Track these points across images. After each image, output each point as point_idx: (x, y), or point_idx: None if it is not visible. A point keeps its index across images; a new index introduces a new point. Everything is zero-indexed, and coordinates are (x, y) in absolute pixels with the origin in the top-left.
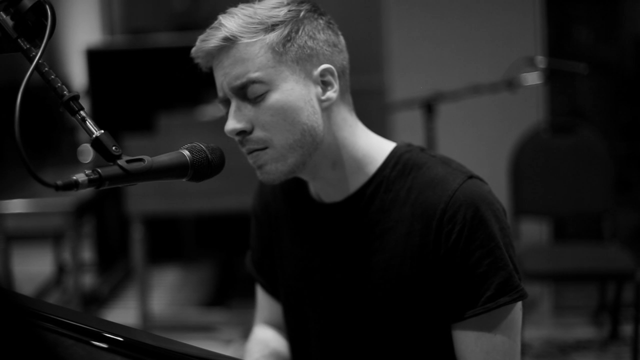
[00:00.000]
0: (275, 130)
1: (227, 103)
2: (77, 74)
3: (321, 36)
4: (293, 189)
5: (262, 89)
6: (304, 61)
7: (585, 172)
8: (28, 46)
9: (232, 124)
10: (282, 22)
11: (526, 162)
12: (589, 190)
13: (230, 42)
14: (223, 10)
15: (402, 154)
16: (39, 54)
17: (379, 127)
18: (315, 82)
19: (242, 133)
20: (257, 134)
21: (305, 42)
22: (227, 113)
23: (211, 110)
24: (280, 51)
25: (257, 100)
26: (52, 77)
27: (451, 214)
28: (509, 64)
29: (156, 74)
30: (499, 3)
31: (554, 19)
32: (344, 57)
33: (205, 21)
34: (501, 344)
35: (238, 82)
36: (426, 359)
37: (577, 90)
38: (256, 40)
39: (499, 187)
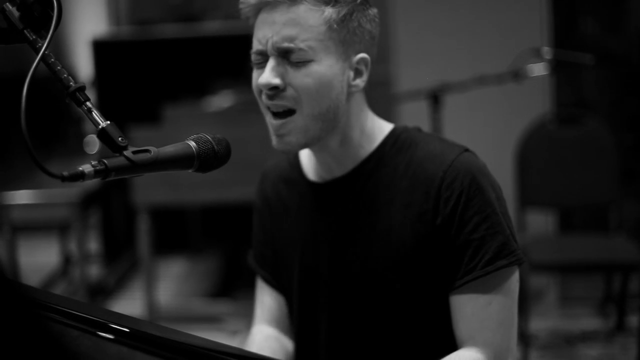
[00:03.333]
0: (306, 96)
1: (262, 55)
2: (83, 65)
3: (368, 26)
4: (293, 176)
5: (307, 56)
6: (348, 45)
7: (591, 163)
8: (34, 37)
9: (269, 77)
10: (343, 1)
11: (532, 153)
12: (595, 181)
13: (292, 1)
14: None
15: (401, 133)
16: (45, 45)
17: (385, 117)
18: (350, 67)
19: (274, 89)
20: (290, 92)
21: (355, 28)
22: (255, 65)
23: (217, 101)
24: (333, 28)
25: (298, 64)
26: (58, 68)
27: (449, 182)
28: (515, 55)
29: (162, 65)
30: None
31: (560, 10)
32: (375, 51)
33: (201, 13)
34: (496, 313)
35: (285, 45)
36: (432, 329)
37: (583, 82)
38: (317, 10)
39: (505, 178)
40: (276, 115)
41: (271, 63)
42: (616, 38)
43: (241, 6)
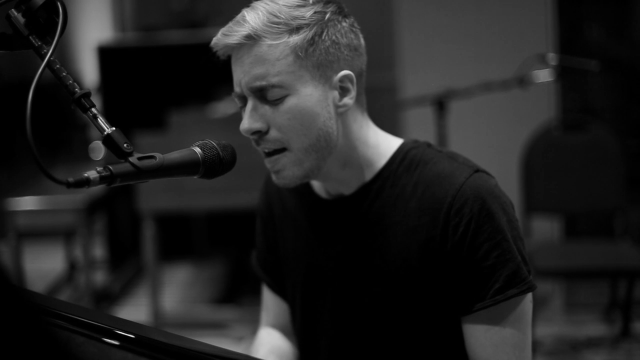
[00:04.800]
0: (292, 133)
1: (243, 99)
2: (89, 71)
3: (343, 40)
4: (298, 186)
5: (281, 93)
6: (325, 67)
7: (596, 169)
8: (39, 43)
9: (249, 123)
10: (307, 25)
11: (537, 159)
12: (601, 188)
13: (252, 40)
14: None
15: (409, 150)
16: (50, 51)
17: (391, 124)
18: (334, 88)
19: (257, 133)
20: (273, 134)
21: (328, 47)
22: (241, 108)
23: (222, 108)
24: (302, 55)
25: (275, 102)
26: (64, 74)
27: (458, 207)
28: (520, 61)
29: (168, 71)
30: (510, 0)
31: (565, 16)
32: (363, 61)
33: (203, 20)
34: (511, 336)
35: (257, 84)
36: (437, 352)
37: (589, 88)
38: (280, 43)
39: (510, 184)
40: (268, 154)
41: (249, 106)
42: (621, 44)
43: (214, 50)
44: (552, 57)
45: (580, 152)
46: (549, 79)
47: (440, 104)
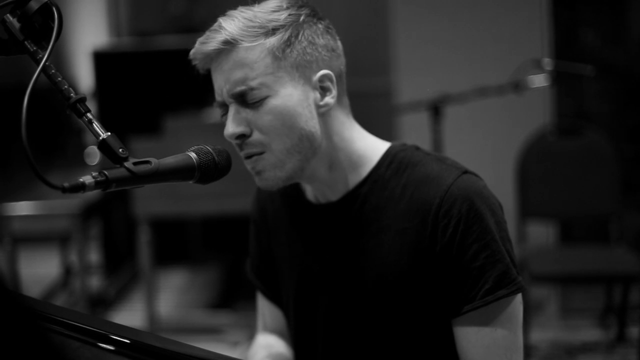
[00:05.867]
0: (274, 135)
1: (225, 107)
2: (84, 76)
3: (320, 41)
4: (290, 192)
5: (261, 94)
6: (303, 67)
7: (591, 174)
8: (35, 48)
9: (232, 127)
10: (282, 27)
11: (533, 164)
12: (596, 193)
13: (230, 45)
14: (218, 13)
15: (397, 153)
16: (45, 56)
17: (386, 129)
18: (314, 88)
19: (241, 137)
20: (256, 136)
21: (305, 47)
22: (222, 116)
23: (218, 113)
24: (279, 56)
25: (255, 104)
26: (59, 79)
27: (447, 209)
28: (515, 66)
29: (163, 76)
30: (505, 5)
31: (560, 21)
32: (341, 62)
33: (201, 24)
34: (502, 338)
35: (238, 89)
36: (430, 355)
37: (584, 93)
38: (257, 45)
39: (505, 189)
40: (247, 157)
41: (231, 112)
42: (616, 49)
43: (193, 63)
44: (548, 62)
45: (576, 157)
46: (544, 84)
47: (436, 109)
